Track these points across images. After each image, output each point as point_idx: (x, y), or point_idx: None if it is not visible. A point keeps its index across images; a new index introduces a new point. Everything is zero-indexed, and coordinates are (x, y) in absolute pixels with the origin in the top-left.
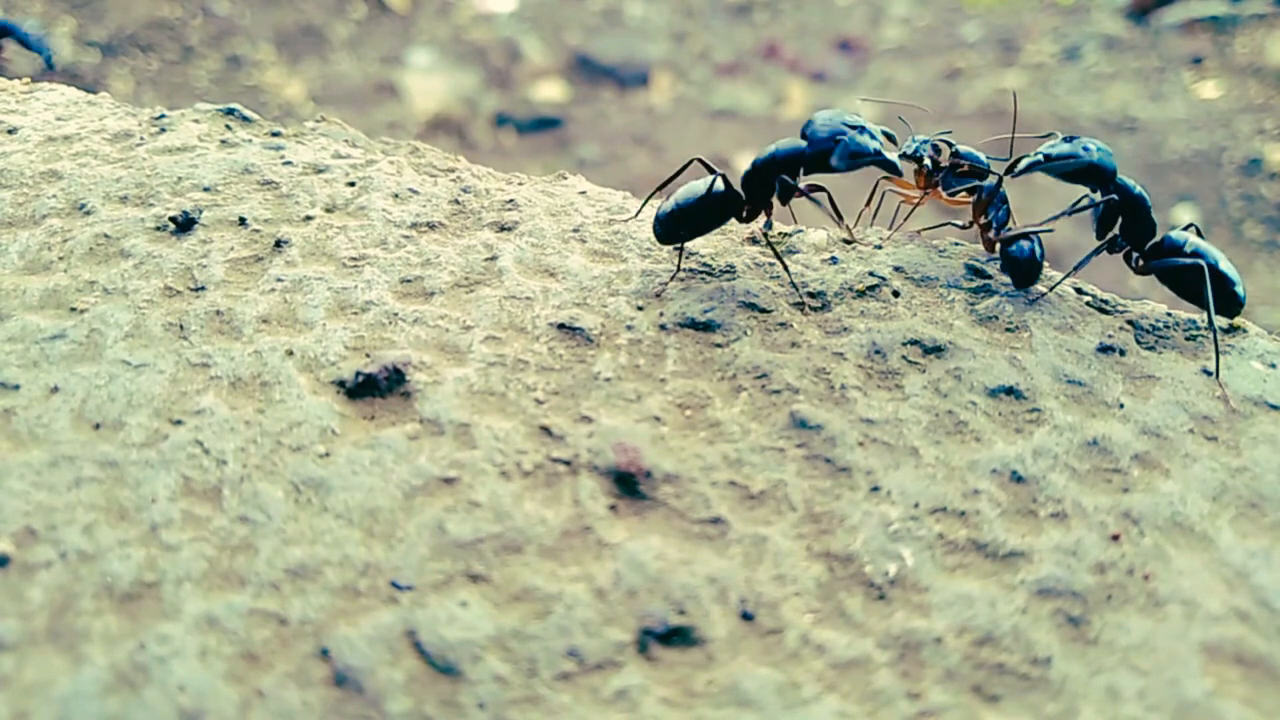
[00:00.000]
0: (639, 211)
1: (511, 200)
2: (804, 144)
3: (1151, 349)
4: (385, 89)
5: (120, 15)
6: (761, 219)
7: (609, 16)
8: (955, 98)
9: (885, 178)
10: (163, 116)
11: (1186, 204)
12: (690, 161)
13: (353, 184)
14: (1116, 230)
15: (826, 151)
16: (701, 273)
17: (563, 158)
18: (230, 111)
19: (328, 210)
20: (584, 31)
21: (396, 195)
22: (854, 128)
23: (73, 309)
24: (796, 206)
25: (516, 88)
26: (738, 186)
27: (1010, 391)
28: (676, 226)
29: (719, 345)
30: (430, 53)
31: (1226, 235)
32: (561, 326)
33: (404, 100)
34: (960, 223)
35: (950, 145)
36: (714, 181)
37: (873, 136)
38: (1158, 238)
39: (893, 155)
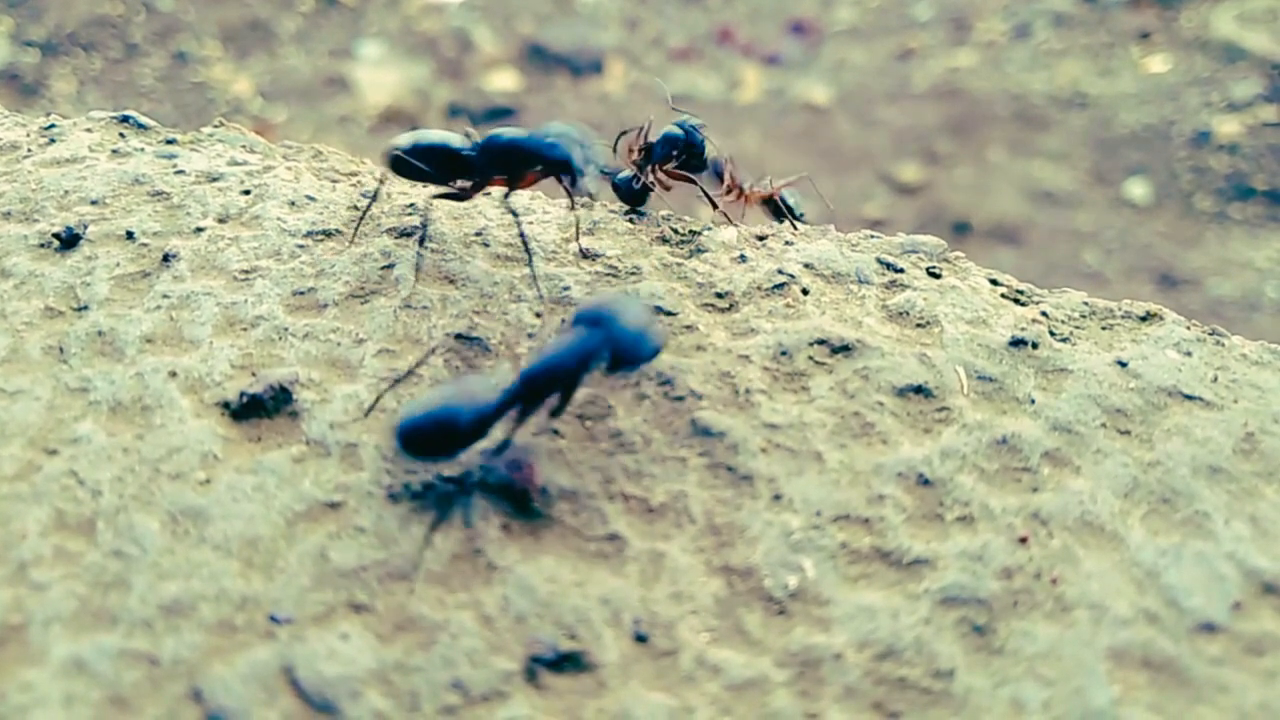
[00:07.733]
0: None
1: (412, 204)
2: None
3: (1065, 340)
4: (335, 82)
5: (60, 13)
6: None
7: (560, 4)
8: (908, 78)
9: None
10: (53, 126)
11: (1138, 177)
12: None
13: (247, 192)
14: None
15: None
16: (607, 275)
17: None
18: (125, 119)
19: (220, 221)
20: (535, 20)
21: (293, 203)
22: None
23: None
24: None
25: (469, 78)
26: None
27: (919, 390)
28: None
29: None
30: (380, 45)
31: (1178, 207)
32: (459, 337)
33: (355, 93)
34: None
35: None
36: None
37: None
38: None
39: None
